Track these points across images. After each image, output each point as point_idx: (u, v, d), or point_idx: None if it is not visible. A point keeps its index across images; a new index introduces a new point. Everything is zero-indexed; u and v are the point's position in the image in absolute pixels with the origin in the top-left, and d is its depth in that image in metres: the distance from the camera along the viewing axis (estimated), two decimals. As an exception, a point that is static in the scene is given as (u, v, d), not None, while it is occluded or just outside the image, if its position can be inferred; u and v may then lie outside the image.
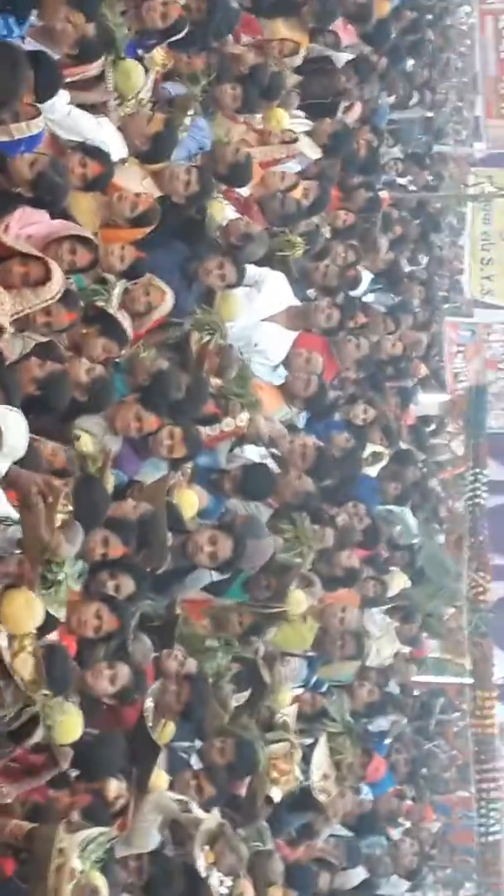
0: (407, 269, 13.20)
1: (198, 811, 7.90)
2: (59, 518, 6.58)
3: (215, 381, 8.81)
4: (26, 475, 6.52)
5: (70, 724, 6.74)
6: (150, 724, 7.79)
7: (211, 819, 7.90)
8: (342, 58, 11.32)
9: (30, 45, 7.34)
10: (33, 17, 7.38)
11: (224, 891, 7.74)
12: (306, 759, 9.46)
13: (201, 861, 7.73)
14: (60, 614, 6.80)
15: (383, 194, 11.98)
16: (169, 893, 7.45)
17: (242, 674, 8.80)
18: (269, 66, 9.74)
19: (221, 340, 8.82)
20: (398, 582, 12.10)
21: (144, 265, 8.07)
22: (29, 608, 6.48)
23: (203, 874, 7.70)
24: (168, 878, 7.45)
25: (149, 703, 7.80)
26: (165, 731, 8.28)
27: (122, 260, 7.96)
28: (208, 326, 8.75)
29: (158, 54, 8.65)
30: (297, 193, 9.91)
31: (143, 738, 7.75)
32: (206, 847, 7.78)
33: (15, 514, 6.67)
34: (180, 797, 7.90)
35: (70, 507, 6.73)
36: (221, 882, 7.75)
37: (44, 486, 6.50)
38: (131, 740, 7.64)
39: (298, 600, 9.39)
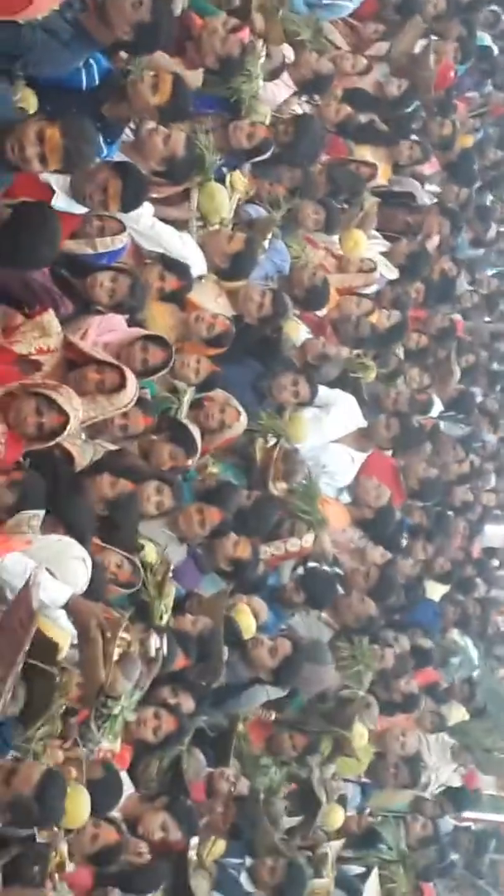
0: (478, 399, 13.19)
1: None
2: (117, 652, 6.59)
3: (280, 487, 8.82)
4: (86, 607, 6.52)
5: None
6: (190, 870, 7.72)
7: None
8: (425, 195, 11.50)
9: (119, 157, 7.51)
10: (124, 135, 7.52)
11: None
12: (350, 888, 9.32)
13: None
14: (115, 746, 6.81)
15: (457, 320, 12.02)
16: None
17: (296, 794, 8.71)
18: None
19: (287, 445, 8.85)
20: (456, 714, 11.96)
21: (218, 379, 8.13)
22: (77, 805, 6.53)
23: None
24: None
25: (192, 854, 7.73)
26: (215, 849, 8.22)
27: (197, 373, 8.05)
28: (273, 432, 8.79)
29: (240, 180, 8.79)
30: (373, 318, 9.98)
31: (181, 879, 7.68)
32: None
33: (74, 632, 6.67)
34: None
35: (129, 639, 6.76)
36: None
37: (103, 620, 6.52)
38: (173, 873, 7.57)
39: (360, 734, 9.32)
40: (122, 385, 7.03)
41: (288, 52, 9.39)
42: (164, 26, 6.92)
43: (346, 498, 9.94)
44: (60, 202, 6.92)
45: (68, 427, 6.48)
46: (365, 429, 10.22)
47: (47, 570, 6.29)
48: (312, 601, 9.16)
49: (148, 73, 7.24)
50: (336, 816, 9.18)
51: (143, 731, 7.26)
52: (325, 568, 9.33)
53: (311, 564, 9.22)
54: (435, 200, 11.70)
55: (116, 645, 6.56)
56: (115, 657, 6.57)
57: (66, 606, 6.48)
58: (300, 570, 9.13)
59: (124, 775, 7.31)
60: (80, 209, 7.05)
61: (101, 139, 6.97)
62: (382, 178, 10.69)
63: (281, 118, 9.16)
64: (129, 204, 7.18)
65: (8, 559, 6.20)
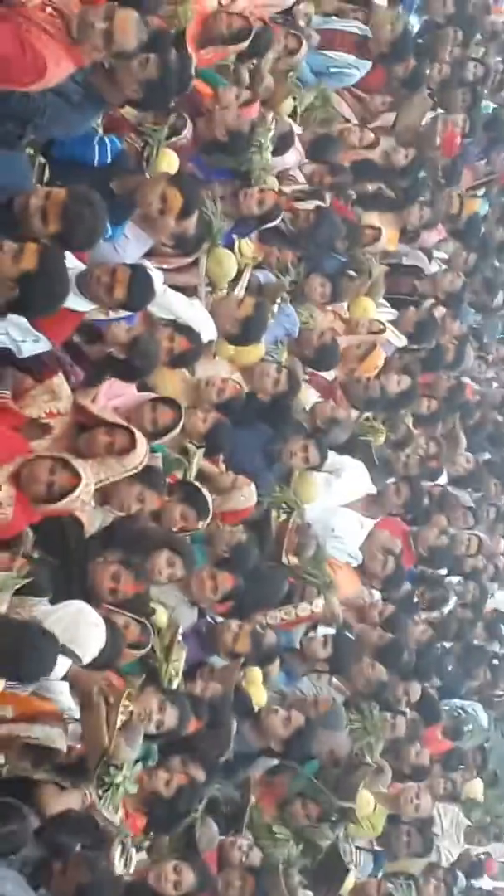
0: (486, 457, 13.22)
1: None
2: (120, 719, 6.55)
3: (292, 560, 8.82)
4: (87, 676, 6.52)
5: None
6: None
7: None
8: (433, 266, 11.57)
9: (130, 232, 7.55)
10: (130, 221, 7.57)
11: None
12: None
13: None
14: (115, 818, 6.73)
15: (467, 383, 12.07)
16: None
17: (318, 863, 8.65)
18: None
19: (299, 519, 8.87)
20: (473, 789, 11.91)
21: (227, 432, 8.14)
22: None
23: None
24: None
25: None
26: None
27: (205, 421, 8.04)
28: (286, 505, 8.80)
29: (248, 248, 8.87)
30: (386, 380, 10.04)
31: None
32: None
33: (76, 709, 6.65)
34: None
35: (131, 708, 6.70)
36: None
37: (105, 687, 6.48)
38: None
39: (366, 801, 9.27)
40: (132, 446, 7.04)
41: (296, 127, 9.51)
42: (172, 84, 6.99)
43: (355, 560, 9.92)
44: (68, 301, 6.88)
45: (79, 488, 6.45)
46: (375, 495, 10.24)
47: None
48: (335, 662, 9.15)
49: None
50: (349, 880, 9.09)
51: (155, 784, 7.20)
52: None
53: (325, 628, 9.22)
54: (444, 268, 11.77)
55: (119, 712, 6.53)
56: (119, 724, 6.54)
57: (66, 677, 6.46)
58: (327, 631, 9.10)
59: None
60: (87, 306, 7.02)
61: (108, 219, 6.95)
62: (390, 244, 10.76)
63: (303, 207, 9.24)
64: (137, 300, 7.10)
65: None
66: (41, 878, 6.42)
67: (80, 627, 6.53)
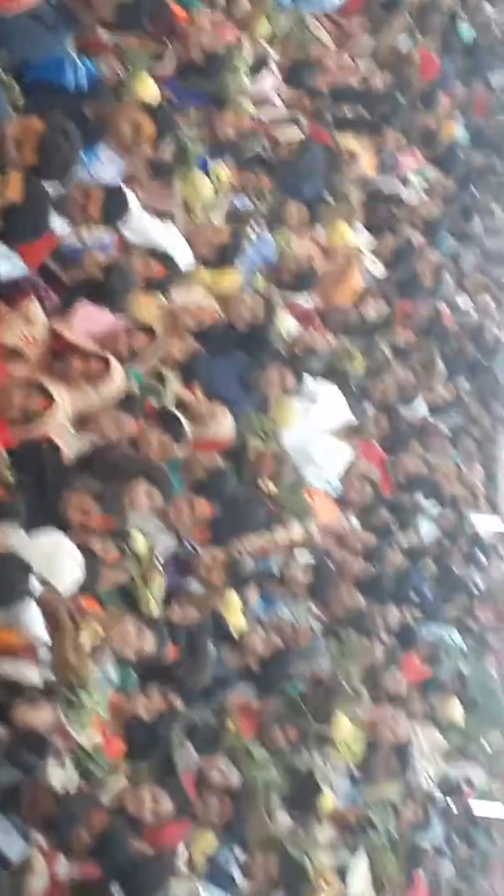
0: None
1: None
2: (88, 640, 6.57)
3: (270, 487, 8.82)
4: (55, 598, 6.51)
5: None
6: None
7: None
8: (412, 195, 11.53)
9: (104, 155, 7.50)
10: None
11: None
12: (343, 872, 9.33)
13: None
14: (82, 738, 6.74)
15: (443, 311, 12.05)
16: None
17: (294, 786, 8.72)
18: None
19: (277, 446, 8.86)
20: (451, 710, 11.99)
21: (203, 361, 8.11)
22: None
23: None
24: None
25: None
26: (205, 844, 8.21)
27: (181, 349, 8.01)
28: (263, 432, 8.79)
29: (224, 173, 8.81)
30: (363, 307, 10.00)
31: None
32: None
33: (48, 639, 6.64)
34: (191, 884, 7.81)
35: (99, 629, 6.72)
36: None
37: (73, 609, 6.49)
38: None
39: (344, 725, 9.33)
40: (107, 373, 7.02)
41: (271, 51, 9.42)
42: (146, 4, 6.94)
43: (334, 487, 9.94)
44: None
45: (54, 411, 6.44)
46: (353, 423, 10.24)
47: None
48: (315, 587, 9.17)
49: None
50: (328, 804, 9.18)
51: (134, 708, 7.22)
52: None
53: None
54: (422, 195, 11.72)
55: (88, 636, 6.53)
56: (87, 648, 6.53)
57: (37, 599, 6.47)
58: (306, 557, 9.13)
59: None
60: (63, 228, 7.04)
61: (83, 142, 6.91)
62: (368, 169, 10.71)
63: (284, 138, 9.18)
64: (112, 216, 7.18)
65: None
66: (13, 805, 6.45)
67: (57, 558, 6.54)
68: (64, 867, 6.76)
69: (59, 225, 6.96)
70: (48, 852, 6.62)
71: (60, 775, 6.57)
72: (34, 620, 6.49)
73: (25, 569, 6.22)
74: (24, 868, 6.42)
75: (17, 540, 6.47)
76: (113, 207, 7.10)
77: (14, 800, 6.50)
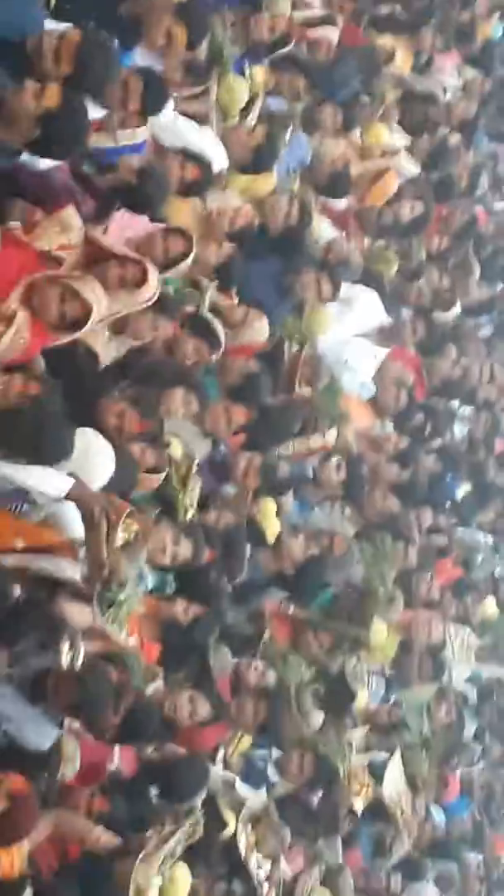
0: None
1: (243, 790, 7.88)
2: (121, 538, 6.60)
3: (305, 391, 8.82)
4: (90, 495, 6.54)
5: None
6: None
7: (256, 799, 7.89)
8: (448, 94, 11.38)
9: (140, 58, 7.44)
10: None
11: (262, 874, 7.69)
12: (377, 773, 9.45)
13: (243, 841, 7.69)
14: (121, 635, 6.80)
15: (479, 212, 11.93)
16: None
17: (327, 689, 8.80)
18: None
19: (312, 350, 8.85)
20: (487, 609, 12.04)
21: (239, 265, 8.09)
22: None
23: (243, 854, 7.66)
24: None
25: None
26: (241, 745, 8.31)
27: (217, 252, 7.97)
28: (299, 336, 8.77)
29: (260, 73, 8.72)
30: (399, 208, 9.93)
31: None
32: (249, 827, 7.75)
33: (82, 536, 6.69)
34: (227, 774, 7.89)
35: (135, 527, 6.76)
36: (260, 865, 7.70)
37: (107, 505, 6.53)
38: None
39: (379, 629, 9.39)
40: (144, 279, 6.98)
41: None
42: None
43: (368, 391, 9.92)
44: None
45: (91, 317, 6.45)
46: (390, 327, 10.20)
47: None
48: (350, 486, 9.19)
49: None
50: (361, 701, 9.25)
51: (171, 611, 7.27)
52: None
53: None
54: (458, 96, 11.56)
55: (121, 530, 6.58)
56: (120, 542, 6.59)
57: (70, 496, 6.51)
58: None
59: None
60: (100, 113, 6.96)
61: (119, 44, 6.87)
62: (404, 67, 10.57)
63: (322, 37, 9.03)
64: (152, 109, 7.13)
65: None
66: (38, 692, 6.52)
67: (89, 456, 6.57)
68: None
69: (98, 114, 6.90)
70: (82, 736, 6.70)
71: (69, 654, 6.58)
72: (71, 518, 6.56)
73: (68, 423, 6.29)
74: (54, 752, 6.51)
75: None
76: (152, 97, 7.04)
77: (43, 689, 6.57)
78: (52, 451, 6.26)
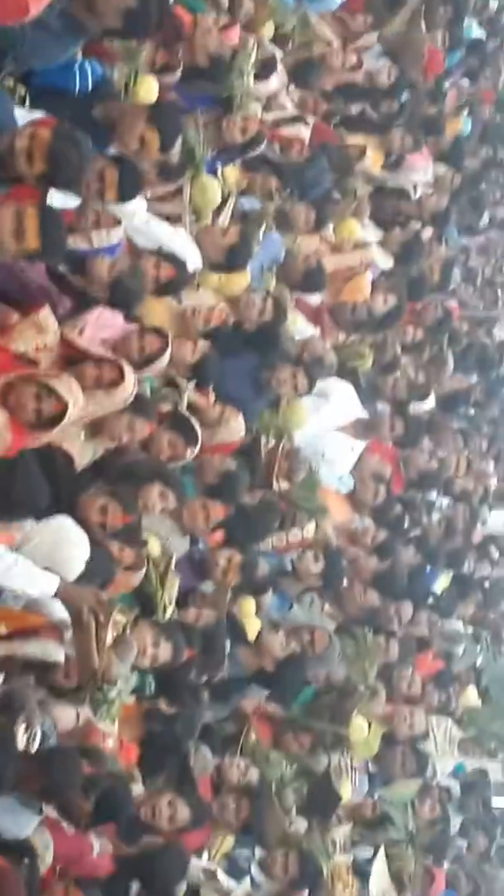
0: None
1: (225, 880, 7.80)
2: (111, 637, 6.57)
3: (283, 485, 8.84)
4: (77, 594, 6.52)
5: None
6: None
7: (240, 891, 7.81)
8: (418, 190, 11.52)
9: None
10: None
11: None
12: (359, 871, 9.36)
13: None
14: (111, 730, 6.79)
15: (452, 307, 12.03)
16: None
17: (311, 791, 8.75)
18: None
19: (289, 444, 8.88)
20: (468, 699, 12.01)
21: (215, 362, 8.13)
22: None
23: None
24: None
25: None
26: (224, 846, 8.23)
27: (193, 351, 8.01)
28: (275, 430, 8.81)
29: (233, 174, 8.81)
30: (372, 302, 10.01)
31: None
32: None
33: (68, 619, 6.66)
34: (209, 864, 7.81)
35: (124, 621, 6.72)
36: None
37: (95, 605, 6.50)
38: None
39: (360, 726, 9.35)
40: (120, 380, 7.04)
41: (276, 52, 9.42)
42: (152, 12, 6.92)
43: (346, 485, 9.94)
44: (56, 199, 6.90)
45: (67, 414, 6.47)
46: (366, 421, 10.24)
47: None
48: (328, 577, 9.20)
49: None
50: (345, 796, 9.21)
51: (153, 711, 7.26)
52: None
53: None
54: (429, 192, 11.70)
55: (110, 629, 6.56)
56: (109, 642, 6.56)
57: (57, 595, 6.49)
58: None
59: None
60: (75, 202, 7.03)
61: (92, 144, 6.93)
62: (374, 166, 10.70)
63: (293, 135, 9.19)
64: (127, 193, 7.16)
65: None
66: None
67: (61, 547, 6.57)
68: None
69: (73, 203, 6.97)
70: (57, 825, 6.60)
71: (25, 735, 6.47)
72: (56, 607, 6.55)
73: None
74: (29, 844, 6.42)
75: (26, 527, 6.49)
76: (128, 183, 7.06)
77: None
78: (25, 504, 6.26)
